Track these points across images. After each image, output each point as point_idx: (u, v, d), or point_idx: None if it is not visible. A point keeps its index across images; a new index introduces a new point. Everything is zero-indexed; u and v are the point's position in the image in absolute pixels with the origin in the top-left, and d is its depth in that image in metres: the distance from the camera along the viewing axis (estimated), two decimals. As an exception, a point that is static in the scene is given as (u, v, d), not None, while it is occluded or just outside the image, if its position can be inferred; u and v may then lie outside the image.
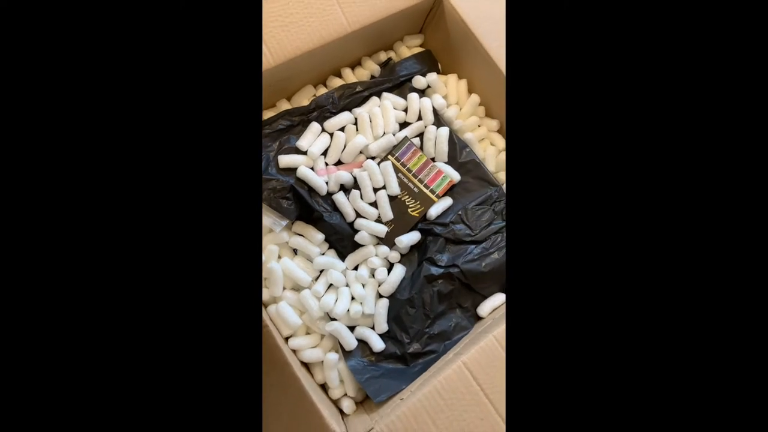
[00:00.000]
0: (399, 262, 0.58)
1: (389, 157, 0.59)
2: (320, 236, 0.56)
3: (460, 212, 0.59)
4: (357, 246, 0.57)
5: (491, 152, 0.64)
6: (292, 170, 0.57)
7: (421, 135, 0.62)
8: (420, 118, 0.62)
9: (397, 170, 0.59)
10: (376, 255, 0.57)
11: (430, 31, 0.68)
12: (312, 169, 0.57)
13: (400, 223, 0.58)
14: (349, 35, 0.56)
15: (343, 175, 0.57)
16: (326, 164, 0.59)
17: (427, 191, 0.59)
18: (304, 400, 0.47)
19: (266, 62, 0.51)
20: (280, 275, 0.54)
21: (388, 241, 0.57)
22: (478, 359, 0.47)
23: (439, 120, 0.62)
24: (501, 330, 0.48)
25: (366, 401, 0.55)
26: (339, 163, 0.60)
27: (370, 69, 0.64)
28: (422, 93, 0.64)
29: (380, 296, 0.56)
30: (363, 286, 0.56)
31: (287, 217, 0.55)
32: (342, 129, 0.59)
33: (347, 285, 0.56)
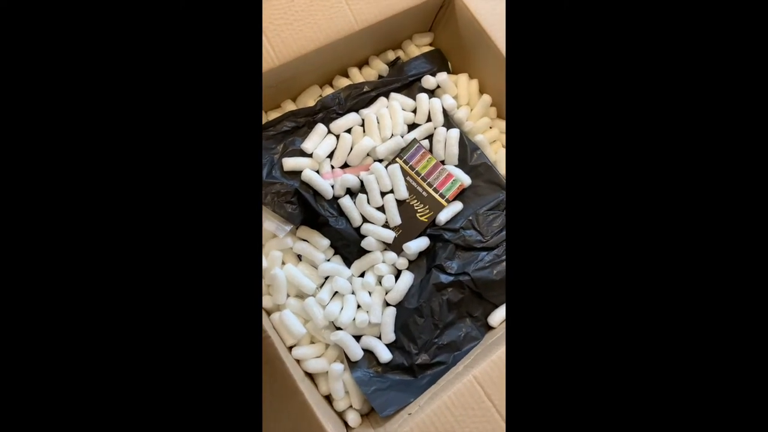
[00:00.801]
0: (407, 269, 0.56)
1: (397, 159, 0.57)
2: (325, 242, 0.54)
3: (470, 217, 0.56)
4: (363, 252, 0.55)
5: (503, 155, 0.62)
6: (296, 173, 0.55)
7: (430, 137, 0.60)
8: (429, 119, 0.60)
9: (405, 173, 0.57)
10: (384, 261, 0.55)
11: (440, 29, 0.65)
12: (317, 172, 0.56)
13: (408, 229, 0.56)
14: (357, 33, 0.54)
15: (350, 179, 0.55)
16: (332, 167, 0.57)
17: (436, 195, 0.57)
18: (306, 412, 0.45)
19: (270, 61, 0.50)
20: (284, 282, 0.52)
21: (395, 247, 0.55)
22: (490, 373, 0.45)
23: (449, 121, 0.59)
24: (514, 342, 0.46)
25: (372, 414, 0.52)
26: (345, 165, 0.58)
27: (377, 68, 0.62)
28: (432, 93, 0.61)
29: (387, 304, 0.54)
30: (369, 293, 0.54)
31: (291, 221, 0.53)
32: (348, 131, 0.57)
33: (353, 293, 0.54)
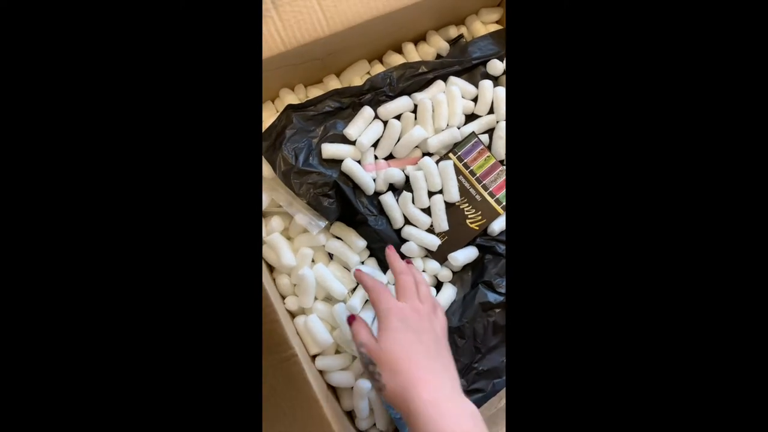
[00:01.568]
0: (450, 281, 0.50)
1: (450, 155, 0.50)
2: (362, 243, 0.48)
3: (527, 229, 0.49)
4: (403, 258, 0.49)
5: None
6: (336, 162, 0.48)
7: (490, 131, 0.52)
8: (492, 111, 0.52)
9: (458, 172, 0.50)
10: (424, 271, 0.49)
11: (511, 6, 0.57)
12: (359, 162, 0.49)
13: (455, 236, 0.49)
14: (418, 4, 0.46)
15: (395, 173, 0.49)
16: (375, 158, 0.50)
17: (491, 201, 0.50)
18: (324, 427, 0.40)
19: (320, 30, 0.42)
20: (313, 283, 0.46)
21: (439, 255, 0.49)
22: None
23: (513, 115, 0.52)
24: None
25: (397, 436, 0.48)
26: (390, 157, 0.51)
27: (436, 46, 0.54)
28: (497, 81, 0.53)
29: (424, 319, 0.48)
30: (406, 305, 0.48)
31: (326, 217, 0.47)
32: (398, 117, 0.50)
33: (387, 302, 0.48)
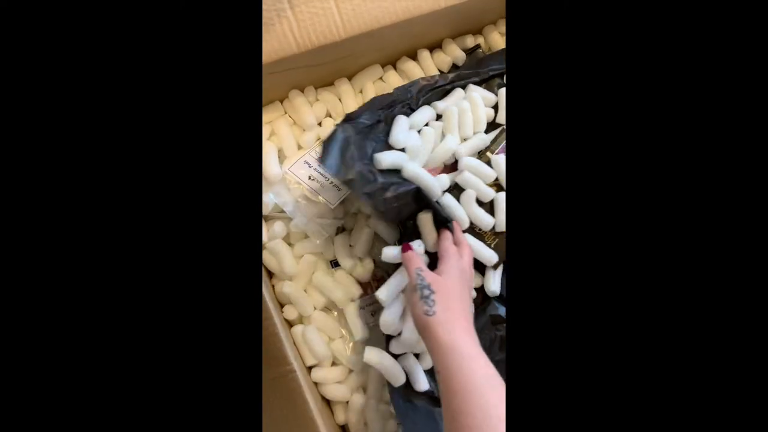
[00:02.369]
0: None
1: (488, 153, 0.47)
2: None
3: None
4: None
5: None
6: (394, 172, 0.43)
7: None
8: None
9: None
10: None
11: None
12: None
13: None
14: (436, 12, 0.45)
15: (445, 180, 0.46)
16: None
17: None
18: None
19: (336, 33, 0.41)
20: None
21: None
22: None
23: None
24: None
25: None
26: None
27: (452, 55, 0.53)
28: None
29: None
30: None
31: (416, 235, 0.43)
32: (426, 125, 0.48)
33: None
